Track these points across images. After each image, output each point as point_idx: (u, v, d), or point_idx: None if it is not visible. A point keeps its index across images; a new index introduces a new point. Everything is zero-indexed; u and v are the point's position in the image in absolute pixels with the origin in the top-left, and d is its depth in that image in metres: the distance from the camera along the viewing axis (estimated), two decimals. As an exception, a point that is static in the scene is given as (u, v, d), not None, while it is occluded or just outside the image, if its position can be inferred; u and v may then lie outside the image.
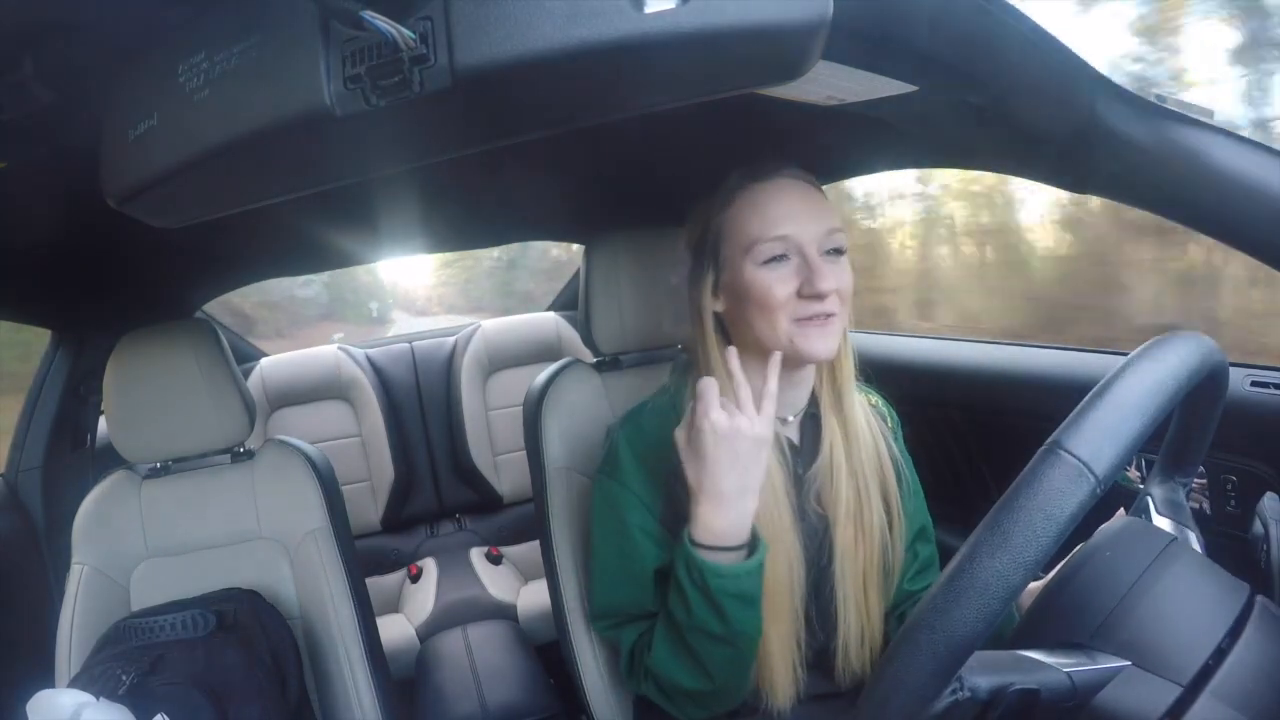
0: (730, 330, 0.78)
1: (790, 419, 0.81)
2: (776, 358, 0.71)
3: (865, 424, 0.81)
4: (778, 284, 0.71)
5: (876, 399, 0.89)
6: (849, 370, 0.79)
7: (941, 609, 0.40)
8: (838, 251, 0.73)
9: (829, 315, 0.71)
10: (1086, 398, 0.43)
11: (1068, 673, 0.44)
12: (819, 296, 0.70)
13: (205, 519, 1.08)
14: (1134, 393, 0.43)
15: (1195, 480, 0.70)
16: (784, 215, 0.72)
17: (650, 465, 0.78)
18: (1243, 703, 0.43)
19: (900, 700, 0.40)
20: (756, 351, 0.75)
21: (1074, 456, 0.40)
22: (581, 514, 0.92)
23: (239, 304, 2.70)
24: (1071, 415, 0.43)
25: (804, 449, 0.81)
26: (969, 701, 0.42)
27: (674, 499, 0.76)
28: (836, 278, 0.71)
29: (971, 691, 0.42)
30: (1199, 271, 1.54)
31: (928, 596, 0.41)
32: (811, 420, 0.81)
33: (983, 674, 0.43)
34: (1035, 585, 0.62)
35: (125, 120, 0.46)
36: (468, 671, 1.55)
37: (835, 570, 0.79)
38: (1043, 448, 0.42)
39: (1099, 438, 0.41)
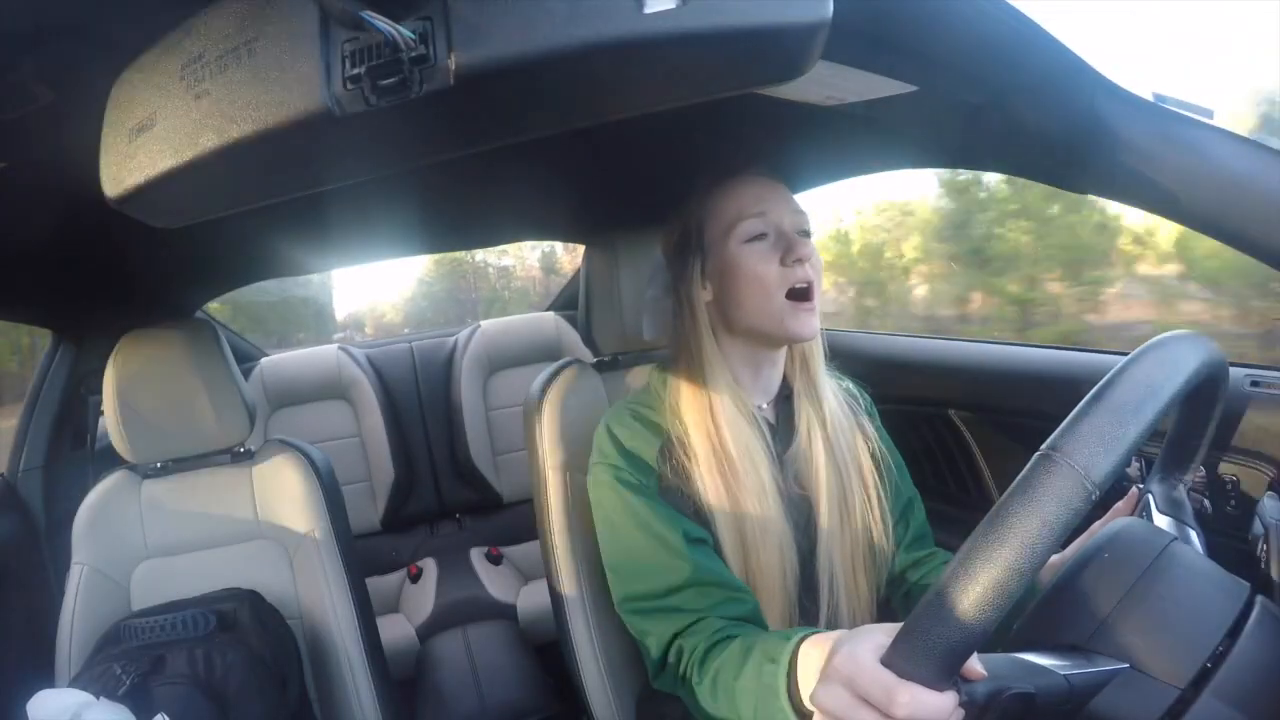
0: (725, 317, 0.81)
1: (764, 405, 0.84)
2: None
3: (841, 410, 0.84)
4: (762, 261, 0.76)
5: (848, 382, 0.91)
6: (819, 357, 0.84)
7: (936, 616, 0.39)
8: (805, 234, 0.79)
9: (810, 284, 0.76)
10: (1082, 402, 0.42)
11: (1065, 675, 0.44)
12: (800, 261, 0.76)
13: (205, 519, 1.08)
14: (1131, 397, 0.42)
15: (1195, 479, 0.70)
16: (759, 196, 0.78)
17: (636, 448, 0.79)
18: (1243, 702, 0.43)
19: None
20: (749, 337, 0.80)
21: (1070, 462, 0.39)
22: (582, 513, 0.92)
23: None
24: (1067, 420, 0.42)
25: (780, 429, 0.83)
26: (966, 704, 0.41)
27: (663, 478, 0.77)
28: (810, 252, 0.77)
29: (968, 696, 0.41)
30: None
31: (923, 602, 0.41)
32: (785, 402, 0.84)
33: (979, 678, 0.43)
34: (1056, 559, 0.62)
35: (125, 120, 0.46)
36: (467, 671, 1.55)
37: (821, 553, 0.80)
38: (1038, 453, 0.41)
39: (1095, 443, 0.40)
